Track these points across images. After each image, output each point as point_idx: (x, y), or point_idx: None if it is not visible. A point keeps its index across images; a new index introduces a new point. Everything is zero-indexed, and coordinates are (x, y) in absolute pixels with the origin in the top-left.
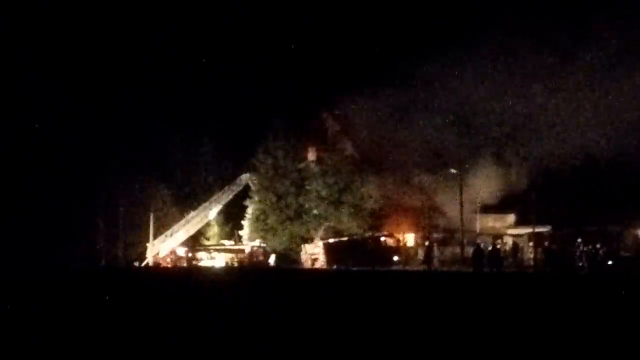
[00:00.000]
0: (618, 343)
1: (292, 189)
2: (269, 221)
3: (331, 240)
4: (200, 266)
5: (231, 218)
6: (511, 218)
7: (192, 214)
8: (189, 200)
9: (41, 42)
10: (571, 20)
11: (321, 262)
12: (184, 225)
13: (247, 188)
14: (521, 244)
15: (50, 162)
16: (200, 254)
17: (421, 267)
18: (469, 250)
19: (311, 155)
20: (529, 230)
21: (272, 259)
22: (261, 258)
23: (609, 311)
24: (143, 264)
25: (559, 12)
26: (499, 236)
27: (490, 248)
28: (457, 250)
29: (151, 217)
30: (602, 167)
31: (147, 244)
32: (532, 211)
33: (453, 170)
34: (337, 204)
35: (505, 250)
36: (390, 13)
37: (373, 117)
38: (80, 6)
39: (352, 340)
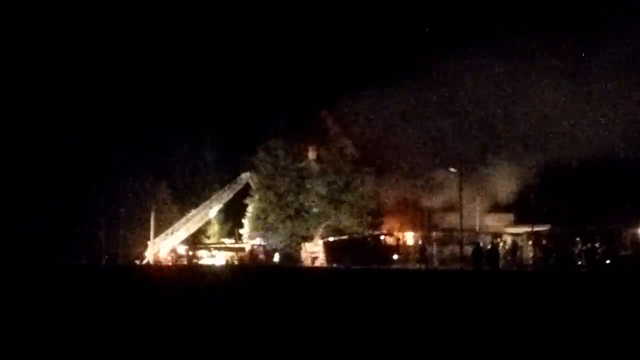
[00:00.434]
0: (617, 342)
1: (292, 188)
2: (269, 220)
3: (331, 239)
4: (201, 264)
5: (231, 216)
6: (510, 217)
7: (193, 212)
8: (189, 199)
9: (42, 42)
10: (585, 21)
11: (321, 261)
12: (185, 223)
13: (247, 187)
14: (520, 243)
15: (51, 161)
16: (201, 252)
17: (417, 266)
18: (469, 249)
19: (311, 154)
20: (528, 229)
21: (276, 257)
22: (262, 256)
23: (608, 310)
24: (144, 262)
25: (573, 12)
26: (498, 235)
27: (489, 247)
28: (457, 249)
29: (152, 216)
30: (601, 166)
31: (148, 242)
32: (531, 210)
33: (452, 170)
34: (337, 202)
35: (504, 249)
36: (390, 13)
37: (373, 117)
38: (81, 6)
39: (352, 339)
